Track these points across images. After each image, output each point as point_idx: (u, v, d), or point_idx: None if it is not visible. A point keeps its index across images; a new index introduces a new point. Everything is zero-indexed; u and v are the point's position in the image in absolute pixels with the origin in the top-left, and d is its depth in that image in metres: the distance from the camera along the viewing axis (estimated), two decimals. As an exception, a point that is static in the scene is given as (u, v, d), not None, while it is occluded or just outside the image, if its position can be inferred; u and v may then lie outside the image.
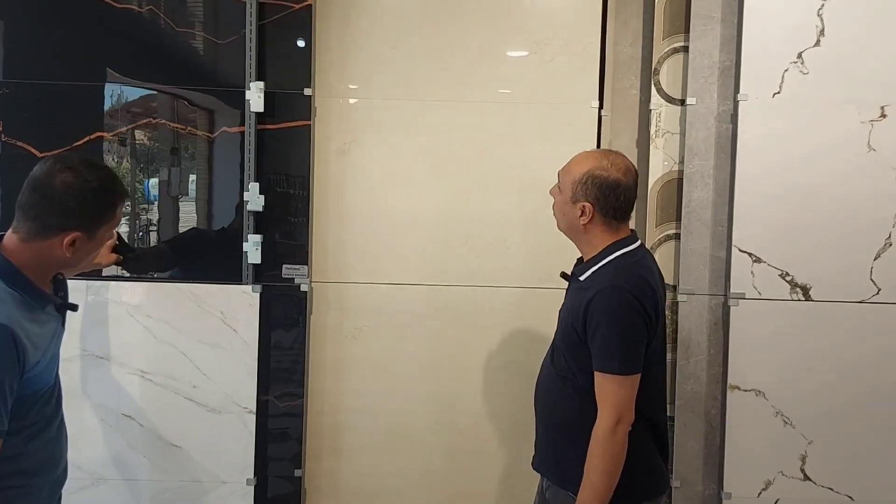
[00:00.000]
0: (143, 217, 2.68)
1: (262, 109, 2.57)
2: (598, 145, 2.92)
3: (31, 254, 1.58)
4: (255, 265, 2.61)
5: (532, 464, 2.05)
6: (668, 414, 2.59)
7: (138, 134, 2.67)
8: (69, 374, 2.54)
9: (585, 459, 1.79)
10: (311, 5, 2.63)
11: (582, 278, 1.88)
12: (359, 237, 2.73)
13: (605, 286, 1.79)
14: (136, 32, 2.64)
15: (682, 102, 2.74)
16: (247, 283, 2.60)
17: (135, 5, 2.62)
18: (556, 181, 1.97)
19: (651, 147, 2.78)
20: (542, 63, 2.74)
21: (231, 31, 2.60)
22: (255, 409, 2.60)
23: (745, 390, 2.62)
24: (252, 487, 2.61)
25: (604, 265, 1.86)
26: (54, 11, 2.61)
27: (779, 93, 2.59)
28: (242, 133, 2.60)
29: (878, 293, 2.59)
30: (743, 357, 2.62)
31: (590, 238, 1.90)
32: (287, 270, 2.64)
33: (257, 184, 2.58)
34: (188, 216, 2.68)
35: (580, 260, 1.99)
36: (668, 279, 2.79)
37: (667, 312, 2.77)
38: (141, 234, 2.69)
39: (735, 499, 2.61)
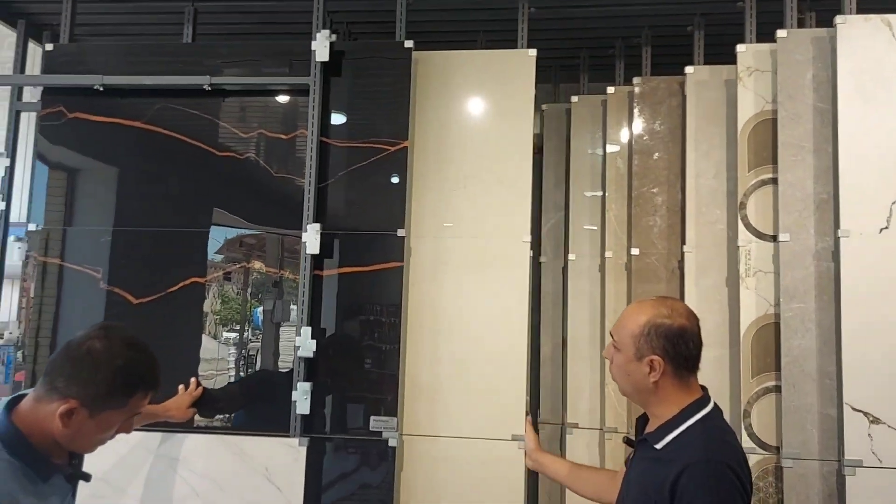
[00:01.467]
0: (250, 344, 2.62)
1: (317, 251, 2.47)
2: (681, 285, 2.67)
3: (38, 416, 1.43)
4: (303, 416, 2.42)
5: None
6: None
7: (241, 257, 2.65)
8: (106, 531, 2.39)
9: None
10: (406, 148, 2.57)
11: (658, 447, 1.65)
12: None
13: (700, 460, 1.57)
14: (236, 179, 2.66)
15: (775, 238, 2.48)
16: (293, 436, 2.41)
17: (236, 153, 2.66)
18: (611, 340, 1.77)
19: (741, 287, 2.50)
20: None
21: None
22: (299, 582, 2.35)
23: (872, 580, 2.18)
24: None
25: (685, 430, 1.64)
26: (159, 161, 2.68)
27: (886, 228, 2.29)
28: (332, 275, 2.54)
29: None
30: (865, 539, 2.19)
31: (662, 398, 1.69)
32: (375, 423, 2.45)
33: (310, 328, 2.44)
34: (288, 342, 2.58)
35: (642, 420, 1.77)
36: (770, 439, 2.43)
37: (769, 478, 2.42)
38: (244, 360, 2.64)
39: None
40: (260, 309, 2.62)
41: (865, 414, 2.24)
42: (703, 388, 1.73)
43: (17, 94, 2.94)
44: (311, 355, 2.43)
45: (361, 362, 2.51)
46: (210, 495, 2.40)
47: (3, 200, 2.84)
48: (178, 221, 2.64)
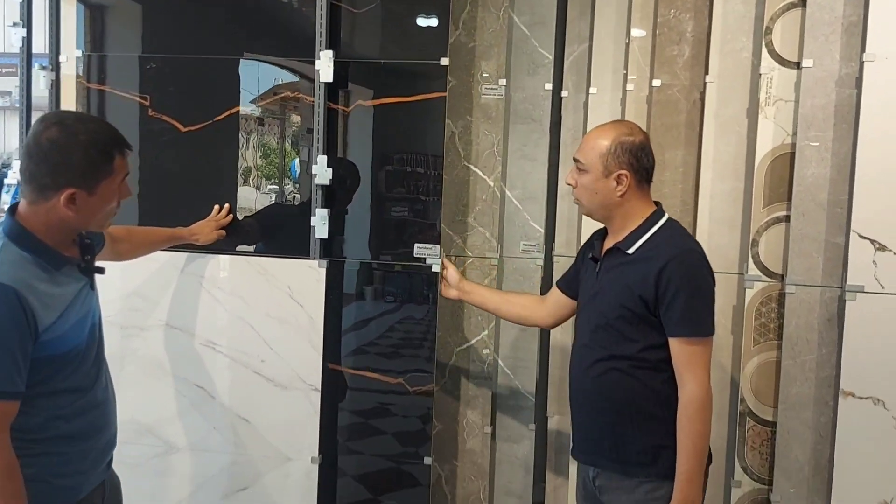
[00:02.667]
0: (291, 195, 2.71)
1: (331, 80, 2.48)
2: (701, 117, 2.63)
3: (39, 217, 1.56)
4: (322, 240, 2.53)
5: (572, 453, 2.03)
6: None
7: (277, 110, 2.67)
8: (146, 341, 2.60)
9: (651, 439, 1.82)
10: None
11: (630, 251, 1.86)
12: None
13: (680, 251, 1.82)
14: (273, 7, 2.65)
15: (798, 65, 2.40)
16: (313, 258, 2.53)
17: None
18: (573, 166, 1.94)
19: (760, 116, 2.46)
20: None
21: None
22: (319, 387, 2.55)
23: (862, 398, 2.27)
24: (316, 465, 2.56)
25: (655, 233, 1.86)
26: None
27: (915, 50, 2.20)
28: (376, 106, 2.57)
29: None
30: (860, 359, 2.27)
31: (627, 210, 1.88)
32: (419, 250, 2.56)
33: (325, 157, 2.50)
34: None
35: (599, 234, 1.99)
36: (776, 267, 2.48)
37: (772, 304, 2.49)
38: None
39: (844, 517, 2.29)
40: (297, 161, 2.67)
41: (872, 241, 2.26)
42: (657, 203, 1.93)
43: None
44: (327, 183, 2.51)
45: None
46: (237, 310, 2.57)
47: (24, 27, 2.85)
48: (211, 49, 2.64)
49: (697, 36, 2.70)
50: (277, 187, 2.68)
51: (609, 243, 1.93)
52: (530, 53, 2.85)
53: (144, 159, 2.64)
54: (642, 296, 1.80)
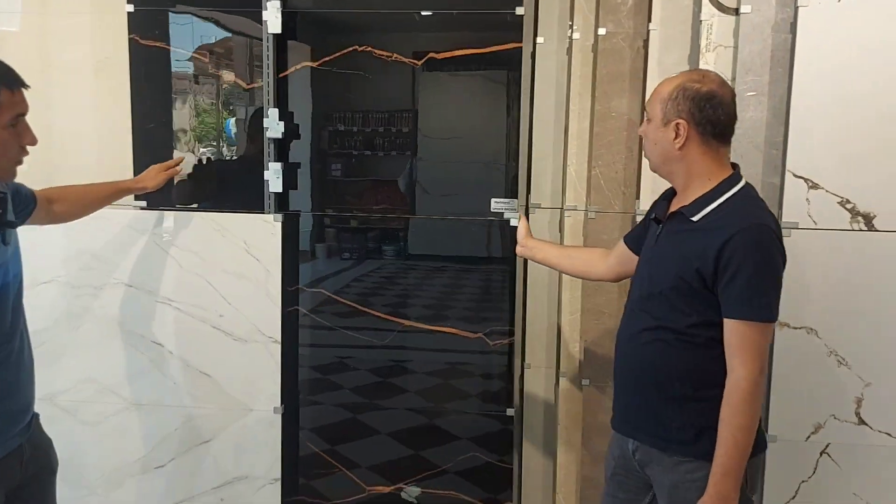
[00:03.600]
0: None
1: (279, 31, 2.47)
2: (645, 65, 2.70)
3: None
4: (276, 194, 2.55)
5: (614, 426, 1.92)
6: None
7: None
8: (102, 301, 2.59)
9: (692, 418, 1.70)
10: None
11: (695, 219, 1.70)
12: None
13: (749, 225, 1.63)
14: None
15: (737, 12, 2.48)
16: (268, 213, 2.55)
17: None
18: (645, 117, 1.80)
19: (701, 62, 2.53)
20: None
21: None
22: (280, 339, 2.58)
23: (795, 328, 2.41)
24: (279, 416, 2.61)
25: (725, 202, 1.69)
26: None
27: (846, -4, 2.30)
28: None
29: (954, 223, 2.32)
30: (793, 292, 2.39)
31: (689, 167, 1.72)
32: (496, 204, 2.56)
33: (276, 110, 2.50)
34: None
35: (664, 200, 1.84)
36: (716, 208, 2.58)
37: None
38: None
39: (781, 442, 2.44)
40: (232, 120, 2.64)
41: (805, 179, 2.37)
42: (735, 166, 1.76)
43: None
44: (279, 136, 2.51)
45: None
46: (194, 267, 2.58)
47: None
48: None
49: (641, -17, 2.76)
50: (214, 148, 2.66)
51: (674, 206, 1.78)
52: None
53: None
54: (700, 270, 1.65)
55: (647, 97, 1.79)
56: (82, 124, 2.64)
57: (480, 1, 2.53)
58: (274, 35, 2.48)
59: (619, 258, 2.06)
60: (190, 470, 2.66)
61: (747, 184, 1.75)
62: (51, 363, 2.52)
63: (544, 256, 2.24)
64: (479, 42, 2.53)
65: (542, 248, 2.25)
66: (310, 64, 2.58)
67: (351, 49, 2.54)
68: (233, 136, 2.65)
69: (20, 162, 1.61)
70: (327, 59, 2.57)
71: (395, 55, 2.53)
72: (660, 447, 1.77)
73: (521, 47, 2.47)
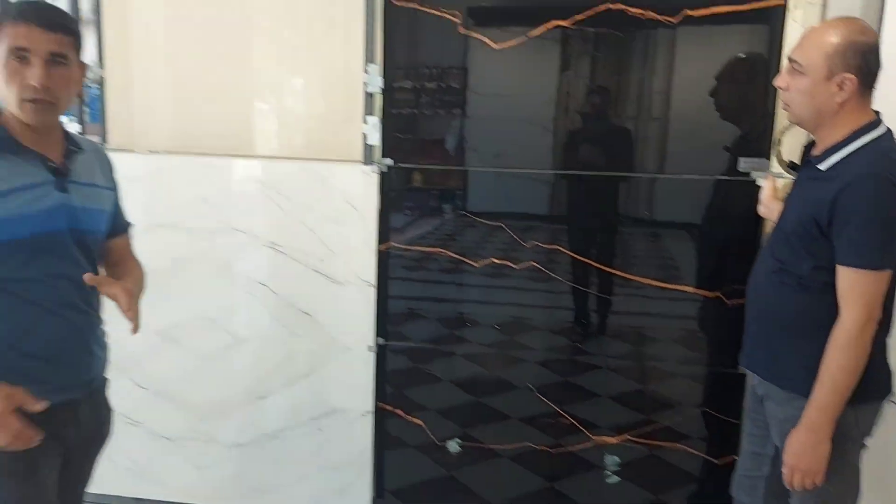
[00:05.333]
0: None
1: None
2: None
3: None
4: (370, 146, 2.71)
5: (740, 361, 2.03)
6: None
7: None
8: (215, 244, 2.82)
9: (804, 358, 1.76)
10: None
11: (822, 167, 1.76)
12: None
13: (863, 174, 1.66)
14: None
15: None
16: (366, 164, 2.72)
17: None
18: (787, 66, 1.79)
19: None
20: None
21: None
22: (374, 282, 2.77)
23: None
24: (373, 354, 2.82)
25: (852, 153, 1.72)
26: None
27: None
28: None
29: None
30: None
31: (838, 120, 1.73)
32: (744, 164, 2.51)
33: (376, 65, 2.65)
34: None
35: (808, 147, 1.89)
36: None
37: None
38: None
39: None
40: None
41: None
42: (877, 112, 1.77)
43: None
44: (378, 91, 2.67)
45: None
46: (298, 214, 2.78)
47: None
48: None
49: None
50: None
51: (814, 152, 1.82)
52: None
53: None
54: (816, 217, 1.70)
55: (793, 48, 1.77)
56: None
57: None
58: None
59: None
60: (291, 402, 2.89)
61: (887, 132, 1.75)
62: (165, 299, 2.75)
63: None
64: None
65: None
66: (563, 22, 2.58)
67: (604, 7, 2.53)
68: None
69: (33, 102, 1.58)
70: (578, 17, 2.56)
71: (649, 12, 2.51)
72: (776, 383, 1.88)
73: (782, 4, 2.42)
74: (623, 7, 2.51)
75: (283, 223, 2.79)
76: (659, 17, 2.51)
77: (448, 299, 2.93)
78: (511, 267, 2.77)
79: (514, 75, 2.71)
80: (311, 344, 2.85)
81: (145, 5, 2.84)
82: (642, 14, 2.51)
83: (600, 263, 2.74)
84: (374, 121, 2.69)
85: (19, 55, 1.56)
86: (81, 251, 1.70)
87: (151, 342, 2.85)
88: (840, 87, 1.70)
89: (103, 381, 1.90)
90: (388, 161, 2.73)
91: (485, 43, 2.65)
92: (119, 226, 1.91)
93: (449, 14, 2.64)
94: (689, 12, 2.50)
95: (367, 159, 2.73)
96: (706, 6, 2.48)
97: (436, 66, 2.79)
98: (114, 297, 1.65)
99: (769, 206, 2.12)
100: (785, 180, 2.30)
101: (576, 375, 2.88)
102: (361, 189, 2.73)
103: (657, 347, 2.86)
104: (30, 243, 1.60)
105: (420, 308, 2.93)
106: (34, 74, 1.56)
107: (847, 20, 1.76)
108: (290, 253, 2.80)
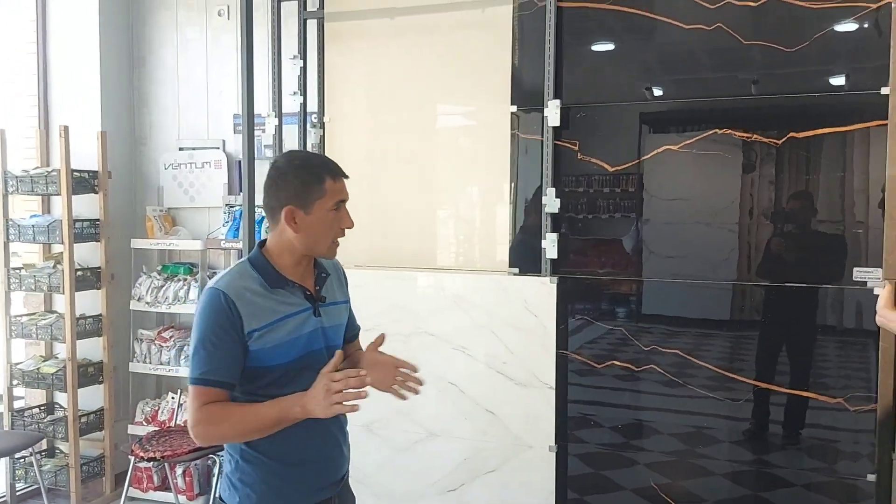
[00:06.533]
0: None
1: (557, 124, 2.93)
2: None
3: (274, 241, 1.81)
4: (552, 259, 2.98)
5: None
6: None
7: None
8: (409, 346, 3.16)
9: None
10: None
11: None
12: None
13: None
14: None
15: None
16: (545, 276, 2.98)
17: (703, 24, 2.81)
18: None
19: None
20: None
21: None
22: (554, 385, 2.98)
23: None
24: (553, 453, 3.00)
25: None
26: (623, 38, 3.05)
27: None
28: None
29: None
30: None
31: None
32: (858, 273, 2.65)
33: (553, 189, 2.95)
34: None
35: None
36: None
37: None
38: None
39: None
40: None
41: None
42: None
43: (303, 4, 3.55)
44: (556, 211, 2.95)
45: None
46: (483, 320, 3.07)
47: (301, 95, 3.57)
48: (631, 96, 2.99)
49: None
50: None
51: None
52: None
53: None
54: None
55: None
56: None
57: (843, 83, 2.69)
58: (553, 127, 2.93)
59: None
60: (476, 495, 3.12)
61: None
62: (369, 398, 3.09)
63: None
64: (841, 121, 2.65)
65: None
66: (671, 147, 2.90)
67: (711, 132, 2.84)
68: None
69: (337, 243, 1.83)
70: (688, 141, 2.88)
71: (754, 136, 2.77)
72: None
73: (885, 124, 2.55)
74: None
75: (469, 328, 3.09)
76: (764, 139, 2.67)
77: (624, 405, 3.08)
78: (691, 374, 2.88)
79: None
80: (495, 441, 3.09)
81: (350, 142, 3.34)
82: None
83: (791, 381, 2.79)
84: (553, 237, 2.96)
85: (339, 205, 1.81)
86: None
87: (357, 432, 3.19)
88: None
89: (347, 474, 2.03)
90: (565, 273, 2.98)
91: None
92: (352, 332, 2.18)
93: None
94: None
95: (545, 271, 2.99)
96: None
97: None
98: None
99: (885, 315, 2.07)
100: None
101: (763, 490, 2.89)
102: (541, 298, 2.98)
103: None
104: (296, 364, 1.81)
105: (597, 414, 3.09)
106: (349, 220, 1.83)
107: None
108: (477, 356, 3.09)
